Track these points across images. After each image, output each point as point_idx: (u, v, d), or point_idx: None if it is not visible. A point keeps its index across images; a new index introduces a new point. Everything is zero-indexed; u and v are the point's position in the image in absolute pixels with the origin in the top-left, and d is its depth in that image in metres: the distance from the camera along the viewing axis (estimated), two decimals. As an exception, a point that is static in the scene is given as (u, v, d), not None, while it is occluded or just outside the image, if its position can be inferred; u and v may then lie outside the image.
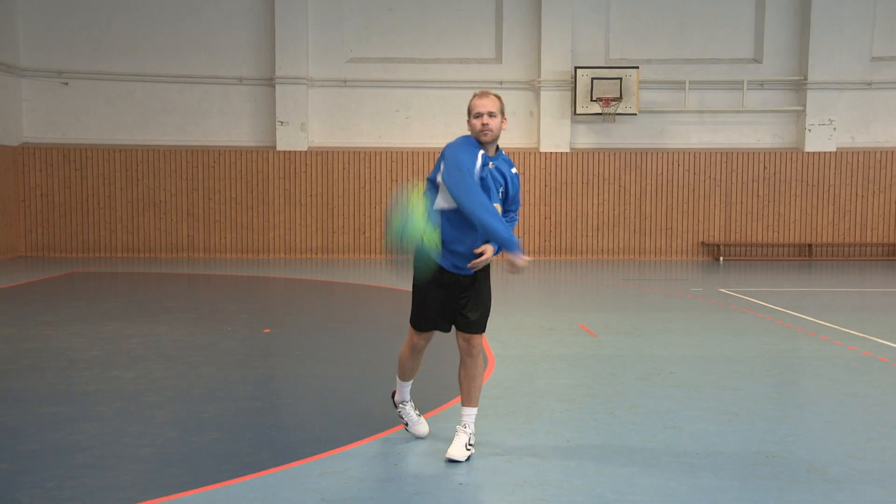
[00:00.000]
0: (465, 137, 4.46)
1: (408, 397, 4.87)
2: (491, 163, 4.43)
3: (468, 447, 4.48)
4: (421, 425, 4.87)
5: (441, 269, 4.45)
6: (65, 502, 3.83)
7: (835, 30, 17.58)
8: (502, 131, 4.45)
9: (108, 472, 4.25)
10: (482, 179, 4.34)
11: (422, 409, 5.43)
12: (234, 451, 4.59)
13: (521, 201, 4.66)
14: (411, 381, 4.87)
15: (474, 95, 4.46)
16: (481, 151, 4.38)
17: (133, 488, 4.02)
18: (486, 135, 4.36)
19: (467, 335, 4.50)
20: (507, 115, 4.52)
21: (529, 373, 6.64)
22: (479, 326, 4.52)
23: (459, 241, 4.40)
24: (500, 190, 4.47)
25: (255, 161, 17.66)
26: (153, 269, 15.18)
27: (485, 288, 4.57)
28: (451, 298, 4.51)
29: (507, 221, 4.58)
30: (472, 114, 4.40)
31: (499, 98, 4.45)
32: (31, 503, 3.84)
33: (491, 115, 4.35)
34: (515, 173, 4.58)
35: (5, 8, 17.01)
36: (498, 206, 4.43)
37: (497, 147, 4.52)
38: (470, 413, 4.57)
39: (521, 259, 4.30)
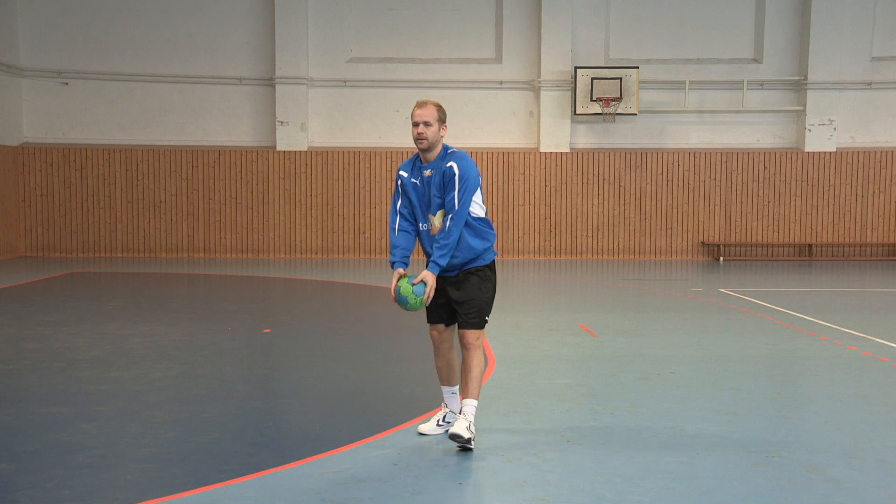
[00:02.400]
0: (408, 160, 4.82)
1: (449, 404, 4.89)
2: (428, 171, 4.63)
3: (470, 430, 4.52)
4: (426, 423, 4.94)
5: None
6: (65, 502, 3.83)
7: (835, 30, 17.58)
8: (441, 137, 4.64)
9: (108, 472, 4.25)
10: (412, 187, 4.68)
11: (422, 409, 5.44)
12: (234, 451, 4.59)
13: (455, 200, 4.50)
14: (447, 388, 4.88)
15: (415, 105, 4.65)
16: (401, 173, 4.73)
17: (133, 488, 4.02)
18: (421, 143, 4.59)
19: (460, 330, 4.69)
20: (445, 118, 4.68)
21: (529, 373, 6.64)
22: (468, 322, 4.63)
23: (429, 254, 4.70)
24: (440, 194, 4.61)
25: (255, 161, 17.66)
26: (153, 269, 15.18)
27: (473, 285, 4.65)
28: (443, 294, 4.71)
29: (441, 229, 4.55)
30: (412, 121, 4.62)
31: (437, 107, 4.63)
32: (31, 503, 3.84)
33: (426, 124, 4.58)
34: (449, 167, 4.55)
35: (5, 8, 17.01)
36: (441, 213, 4.59)
37: (445, 148, 4.67)
38: (468, 404, 4.61)
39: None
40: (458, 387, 4.89)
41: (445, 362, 4.85)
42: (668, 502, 3.90)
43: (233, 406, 5.58)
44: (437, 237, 4.56)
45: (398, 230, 4.72)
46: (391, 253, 4.71)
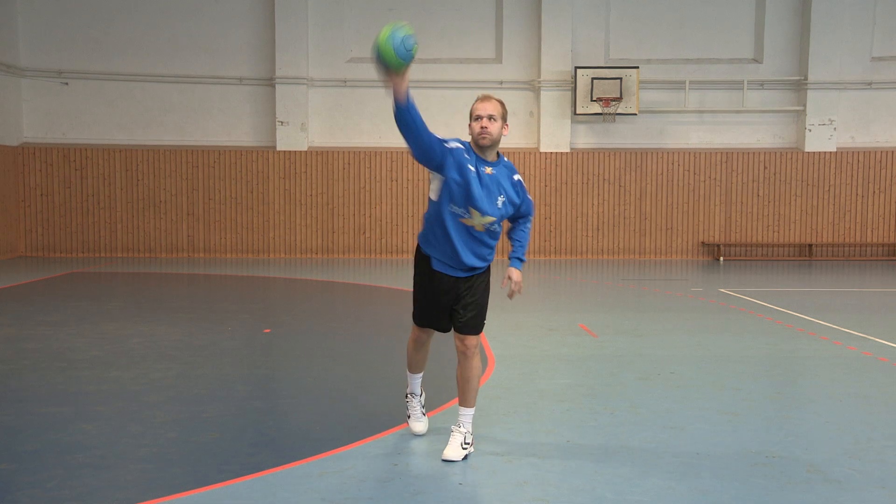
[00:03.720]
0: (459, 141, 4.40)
1: (417, 391, 4.91)
2: (489, 168, 4.36)
3: (464, 446, 4.48)
4: (419, 423, 4.90)
5: (432, 270, 4.51)
6: (65, 502, 3.83)
7: (835, 30, 17.58)
8: (503, 137, 4.40)
9: (108, 472, 4.25)
10: (477, 177, 4.31)
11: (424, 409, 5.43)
12: (234, 451, 4.59)
13: (531, 202, 4.60)
14: (419, 375, 4.89)
15: (477, 98, 4.39)
16: (466, 156, 4.30)
17: (133, 488, 4.02)
18: (483, 138, 4.29)
19: (461, 336, 4.52)
20: (507, 115, 4.48)
21: (529, 373, 6.64)
22: (472, 328, 4.51)
23: (444, 244, 4.41)
24: (500, 199, 4.37)
25: (255, 161, 17.66)
26: (153, 269, 15.18)
27: (479, 288, 4.53)
28: (444, 299, 4.52)
29: (519, 229, 4.62)
30: (472, 117, 4.34)
31: (501, 103, 4.39)
32: (31, 503, 3.84)
33: (491, 118, 4.28)
34: (518, 180, 4.47)
35: (5, 8, 17.01)
36: (490, 219, 4.33)
37: (498, 154, 4.45)
38: (466, 413, 4.56)
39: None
40: (423, 373, 4.90)
41: (422, 356, 4.82)
42: (668, 502, 3.90)
43: (233, 406, 5.57)
44: (518, 236, 4.60)
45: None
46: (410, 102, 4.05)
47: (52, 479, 4.11)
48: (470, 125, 4.35)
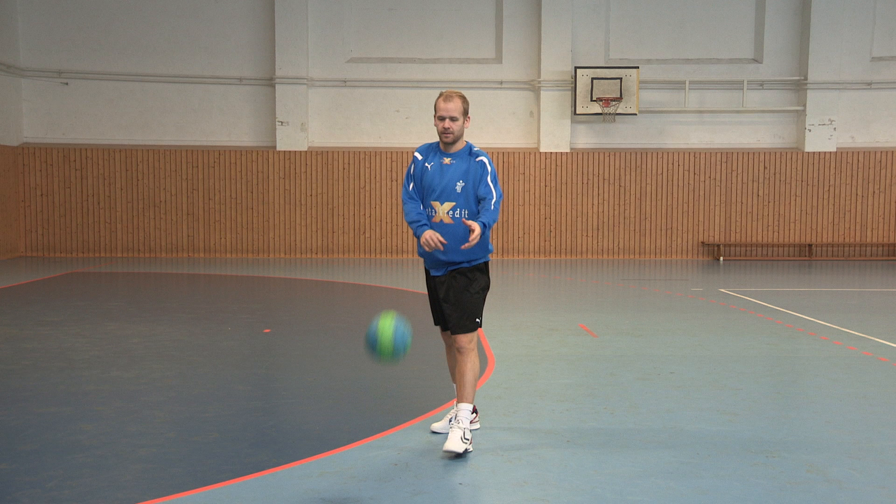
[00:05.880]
0: (426, 144, 4.86)
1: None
2: (448, 158, 4.67)
3: (463, 440, 4.51)
4: (440, 422, 4.97)
5: (426, 269, 4.88)
6: (65, 502, 3.84)
7: (835, 30, 17.58)
8: (465, 129, 4.71)
9: (108, 472, 4.25)
10: (422, 170, 4.70)
11: (422, 409, 5.44)
12: (234, 451, 4.59)
13: (490, 187, 4.61)
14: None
15: (440, 96, 4.68)
16: (416, 155, 4.78)
17: (133, 488, 4.02)
18: (447, 137, 4.65)
19: (452, 335, 4.70)
20: (468, 110, 4.77)
21: (529, 373, 6.64)
22: (459, 327, 4.63)
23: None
24: (460, 184, 4.60)
25: (255, 161, 17.66)
26: (153, 269, 15.18)
27: (462, 288, 4.65)
28: (433, 295, 4.84)
29: (482, 208, 4.56)
30: (436, 115, 4.66)
31: (462, 99, 4.67)
32: (31, 503, 3.84)
33: (453, 119, 4.62)
34: (480, 161, 4.65)
35: (5, 8, 17.01)
36: (449, 204, 4.59)
37: (467, 144, 4.76)
38: (463, 409, 4.60)
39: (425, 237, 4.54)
40: None
41: (454, 361, 4.90)
42: (668, 502, 3.90)
43: (233, 406, 5.58)
44: (483, 208, 4.52)
45: (414, 210, 4.69)
46: (418, 225, 4.63)
47: (52, 479, 4.11)
48: (435, 121, 4.68)
